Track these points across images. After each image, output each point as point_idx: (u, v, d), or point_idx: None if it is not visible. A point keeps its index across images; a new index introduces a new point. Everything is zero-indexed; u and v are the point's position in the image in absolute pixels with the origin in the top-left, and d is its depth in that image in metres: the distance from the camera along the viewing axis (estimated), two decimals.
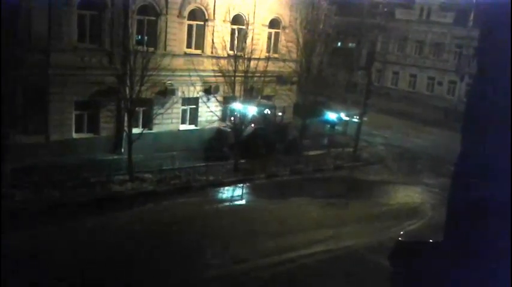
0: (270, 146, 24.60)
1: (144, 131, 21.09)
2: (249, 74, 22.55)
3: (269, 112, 25.87)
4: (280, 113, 26.57)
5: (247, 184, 21.67)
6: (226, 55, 23.35)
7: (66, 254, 13.97)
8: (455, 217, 4.26)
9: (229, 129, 23.45)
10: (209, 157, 22.97)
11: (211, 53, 24.42)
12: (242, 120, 22.64)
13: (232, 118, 22.84)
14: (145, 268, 13.79)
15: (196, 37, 24.64)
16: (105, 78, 21.31)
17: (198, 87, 24.59)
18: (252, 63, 22.40)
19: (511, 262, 3.36)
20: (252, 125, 24.10)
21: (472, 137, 3.63)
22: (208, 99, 24.90)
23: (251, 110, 23.57)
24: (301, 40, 25.37)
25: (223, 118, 25.33)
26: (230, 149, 22.90)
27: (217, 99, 24.39)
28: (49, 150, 20.11)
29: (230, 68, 22.20)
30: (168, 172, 20.81)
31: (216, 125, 24.96)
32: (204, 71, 24.34)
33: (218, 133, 24.50)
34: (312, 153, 26.58)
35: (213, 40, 24.31)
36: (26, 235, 14.53)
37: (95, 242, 14.92)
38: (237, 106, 22.93)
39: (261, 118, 25.14)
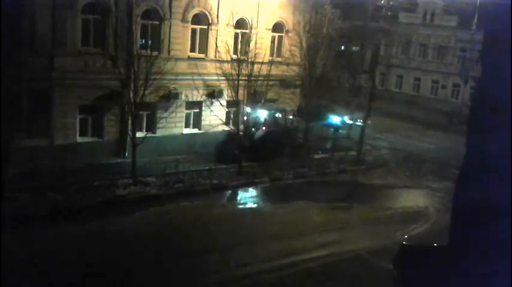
0: (280, 149, 24.67)
1: (148, 135, 21.10)
2: (253, 78, 22.56)
3: (280, 115, 26.03)
4: (290, 117, 26.71)
5: (251, 188, 21.65)
6: (229, 59, 23.36)
7: (67, 257, 13.95)
8: (461, 220, 4.23)
9: (238, 132, 23.37)
10: (221, 159, 23.01)
11: (215, 57, 24.44)
12: (253, 123, 22.74)
13: (243, 121, 22.86)
14: (148, 272, 13.77)
15: (200, 41, 24.69)
16: (109, 82, 21.34)
17: (202, 91, 24.63)
18: (256, 67, 22.39)
19: None
20: (263, 128, 24.27)
21: (477, 140, 3.62)
22: (212, 103, 24.93)
23: (262, 113, 23.63)
24: (304, 44, 25.37)
25: (227, 122, 25.33)
26: (241, 152, 22.94)
27: (220, 103, 24.41)
28: (53, 154, 20.15)
29: (234, 72, 22.20)
30: (171, 175, 20.80)
31: (219, 128, 24.95)
32: (207, 75, 24.36)
33: (229, 136, 24.48)
34: (315, 156, 26.55)
35: (216, 44, 24.33)
36: (27, 238, 14.55)
37: (97, 246, 14.92)
38: (247, 109, 23.02)
39: (272, 121, 25.33)
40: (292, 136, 26.03)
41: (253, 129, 24.04)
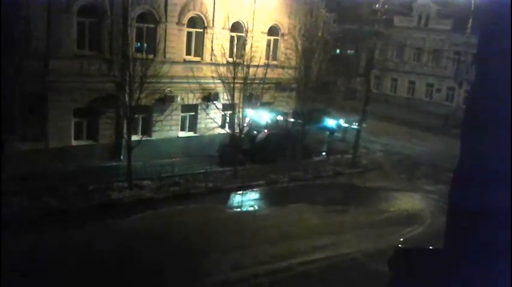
0: (282, 152, 24.76)
1: (144, 138, 21.07)
2: (248, 81, 22.58)
3: (281, 118, 26.13)
4: (291, 119, 26.84)
5: (247, 191, 21.64)
6: (225, 62, 23.40)
7: (62, 261, 13.90)
8: (456, 223, 4.25)
9: (239, 135, 23.29)
10: (224, 162, 23.02)
11: (211, 60, 24.46)
12: (254, 125, 22.85)
13: (242, 124, 22.90)
14: (143, 276, 13.72)
15: (196, 44, 24.70)
16: (104, 85, 21.31)
17: (198, 94, 24.62)
18: (251, 70, 22.43)
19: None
20: (265, 130, 24.37)
21: (472, 143, 3.64)
22: (208, 106, 24.93)
23: (263, 116, 23.76)
24: (300, 47, 25.42)
25: (223, 125, 25.31)
26: (243, 154, 22.92)
27: (216, 106, 24.40)
28: (48, 157, 20.07)
29: (229, 75, 22.22)
30: (167, 178, 20.77)
31: (215, 131, 24.94)
32: (203, 78, 24.36)
33: (231, 139, 24.43)
34: (312, 159, 26.58)
35: (212, 47, 24.35)
36: (22, 242, 14.47)
37: (93, 250, 14.86)
38: (247, 112, 23.08)
39: (273, 124, 25.44)
40: (294, 139, 26.09)
41: (254, 131, 24.14)
